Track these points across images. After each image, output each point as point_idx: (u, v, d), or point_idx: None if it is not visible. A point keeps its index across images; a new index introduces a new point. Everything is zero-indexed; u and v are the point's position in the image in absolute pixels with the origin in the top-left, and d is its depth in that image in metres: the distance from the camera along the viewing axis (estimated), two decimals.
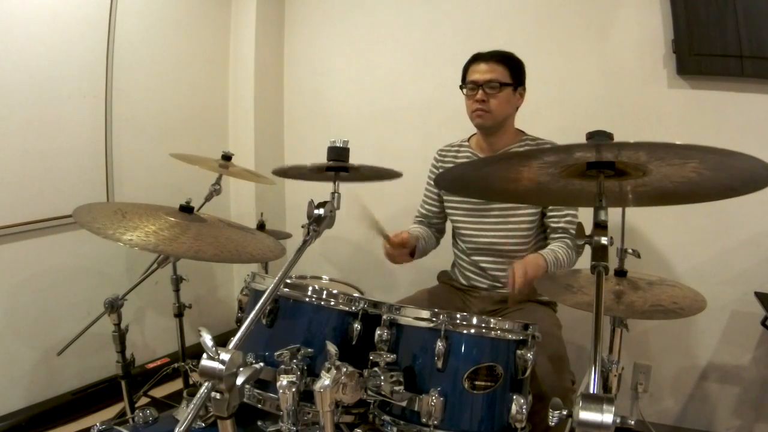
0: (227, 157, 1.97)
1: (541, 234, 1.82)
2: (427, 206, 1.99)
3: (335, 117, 2.76)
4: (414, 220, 2.04)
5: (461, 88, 1.78)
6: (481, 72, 1.71)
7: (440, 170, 1.92)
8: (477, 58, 1.75)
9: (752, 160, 0.75)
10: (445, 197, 1.92)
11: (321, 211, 1.08)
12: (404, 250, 1.77)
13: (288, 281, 1.26)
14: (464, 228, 1.87)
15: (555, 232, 1.75)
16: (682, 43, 2.05)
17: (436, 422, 1.10)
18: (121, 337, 1.61)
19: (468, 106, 1.77)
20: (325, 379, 0.98)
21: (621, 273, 1.45)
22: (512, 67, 1.72)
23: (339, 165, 1.20)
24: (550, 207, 1.74)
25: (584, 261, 0.92)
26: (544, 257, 1.61)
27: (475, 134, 1.90)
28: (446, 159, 1.93)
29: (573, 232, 1.73)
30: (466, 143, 1.92)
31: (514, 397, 1.12)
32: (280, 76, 2.86)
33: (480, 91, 1.70)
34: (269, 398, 1.18)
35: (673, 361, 2.23)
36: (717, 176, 0.88)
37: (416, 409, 1.11)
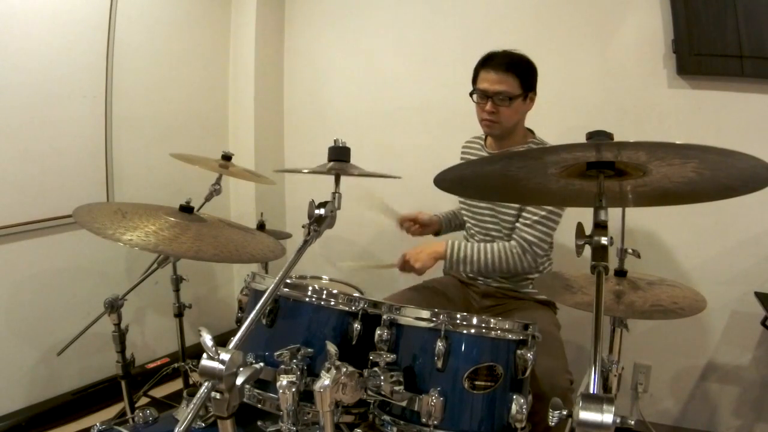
0: (227, 157, 1.97)
1: None
2: None
3: (335, 117, 2.76)
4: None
5: (471, 94, 1.76)
6: (491, 82, 1.68)
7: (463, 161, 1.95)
8: (488, 64, 1.70)
9: (752, 160, 0.75)
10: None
11: (322, 211, 1.08)
12: (416, 227, 1.95)
13: (288, 281, 1.26)
14: (468, 223, 1.91)
15: (513, 231, 1.75)
16: (682, 43, 2.05)
17: (436, 422, 1.10)
18: (121, 337, 1.61)
19: (477, 113, 1.77)
20: (325, 379, 0.98)
21: (621, 273, 1.46)
22: (523, 76, 1.68)
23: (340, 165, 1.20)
24: (529, 206, 1.71)
25: (584, 261, 0.92)
26: (446, 249, 1.74)
27: None
28: (464, 153, 1.97)
29: (526, 236, 1.70)
30: (482, 139, 1.93)
31: (514, 397, 1.12)
32: (280, 76, 2.86)
33: (490, 103, 1.68)
34: (269, 398, 1.18)
35: (673, 361, 2.23)
36: (717, 176, 0.88)
37: (416, 409, 1.11)
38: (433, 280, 1.94)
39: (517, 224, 1.73)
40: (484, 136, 1.93)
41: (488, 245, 1.73)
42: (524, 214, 1.72)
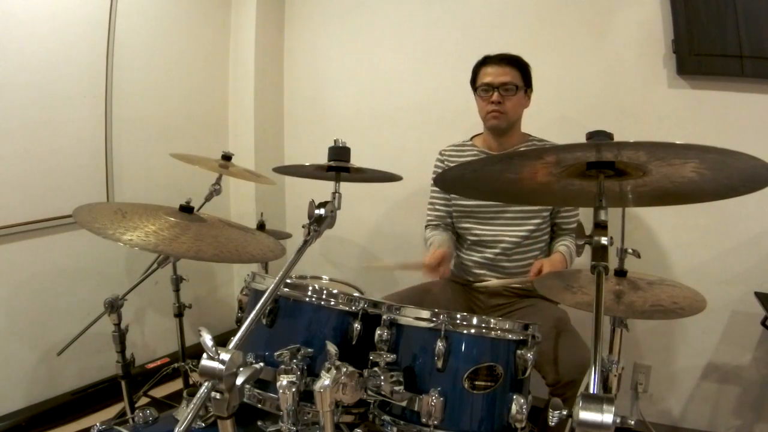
0: (227, 157, 1.97)
1: (548, 230, 1.86)
2: (440, 208, 1.96)
3: (335, 117, 2.76)
4: (427, 225, 1.99)
5: (474, 90, 1.81)
6: (495, 75, 1.74)
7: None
8: (488, 62, 1.78)
9: (752, 160, 0.75)
10: (454, 201, 1.91)
11: (322, 211, 1.08)
12: (447, 265, 1.75)
13: (288, 281, 1.25)
14: (478, 229, 1.87)
15: (565, 232, 1.82)
16: (682, 43, 2.05)
17: (436, 422, 1.10)
18: (121, 337, 1.61)
19: (481, 108, 1.80)
20: (325, 379, 0.98)
21: (621, 273, 1.45)
22: (522, 70, 1.76)
23: (340, 165, 1.20)
24: (563, 207, 1.80)
25: (584, 261, 0.92)
26: (565, 258, 1.74)
27: (479, 134, 1.92)
28: (451, 159, 1.94)
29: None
30: (470, 143, 1.93)
31: (514, 397, 1.12)
32: (280, 76, 2.86)
33: (495, 93, 1.73)
34: (269, 398, 1.18)
35: (673, 361, 2.23)
36: (717, 176, 0.88)
37: (416, 409, 1.11)
38: (431, 282, 1.92)
39: (567, 223, 1.83)
40: (470, 140, 1.94)
41: (568, 246, 1.79)
42: (567, 214, 1.83)
